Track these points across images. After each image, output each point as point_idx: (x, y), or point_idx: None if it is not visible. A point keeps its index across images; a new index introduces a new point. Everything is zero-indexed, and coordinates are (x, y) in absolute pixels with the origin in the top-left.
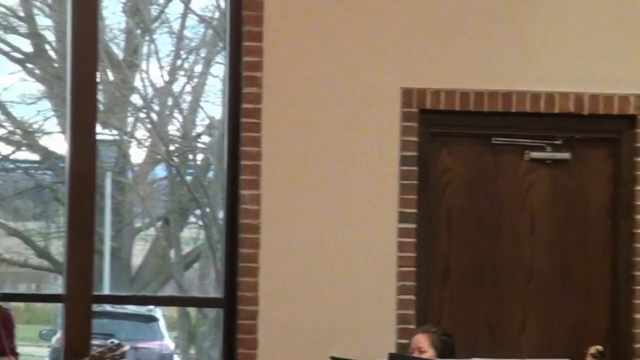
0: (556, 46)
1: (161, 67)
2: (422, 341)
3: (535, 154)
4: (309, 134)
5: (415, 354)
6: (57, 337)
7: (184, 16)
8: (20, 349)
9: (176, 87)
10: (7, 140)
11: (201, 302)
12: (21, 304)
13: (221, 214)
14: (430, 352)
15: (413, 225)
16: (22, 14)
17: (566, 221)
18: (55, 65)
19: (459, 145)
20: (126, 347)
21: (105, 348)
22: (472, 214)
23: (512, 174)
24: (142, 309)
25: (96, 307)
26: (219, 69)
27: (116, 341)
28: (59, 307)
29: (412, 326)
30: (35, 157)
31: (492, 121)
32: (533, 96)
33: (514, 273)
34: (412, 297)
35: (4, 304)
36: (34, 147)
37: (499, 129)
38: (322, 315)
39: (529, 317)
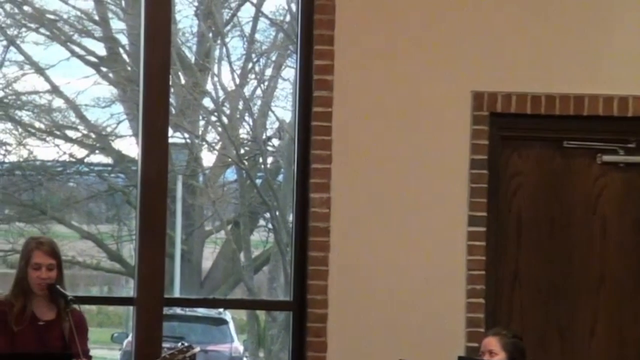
0: (629, 49)
1: (232, 71)
2: (493, 344)
3: (608, 157)
4: (379, 137)
5: (486, 357)
6: (129, 340)
7: (255, 20)
8: (92, 352)
9: (247, 91)
10: (81, 143)
11: (271, 305)
12: (93, 307)
13: (291, 217)
14: (501, 355)
15: (483, 229)
16: (96, 17)
17: (639, 225)
18: (129, 68)
19: (530, 148)
20: (196, 349)
21: (176, 350)
22: (543, 218)
23: (583, 178)
24: (212, 312)
25: (167, 310)
26: (290, 72)
27: (186, 343)
28: (130, 310)
29: (482, 329)
30: (108, 160)
31: (563, 124)
32: (606, 99)
33: (585, 277)
34: (481, 300)
35: (77, 307)
36: (107, 150)
37: (570, 133)
38: (391, 318)
39: (599, 322)
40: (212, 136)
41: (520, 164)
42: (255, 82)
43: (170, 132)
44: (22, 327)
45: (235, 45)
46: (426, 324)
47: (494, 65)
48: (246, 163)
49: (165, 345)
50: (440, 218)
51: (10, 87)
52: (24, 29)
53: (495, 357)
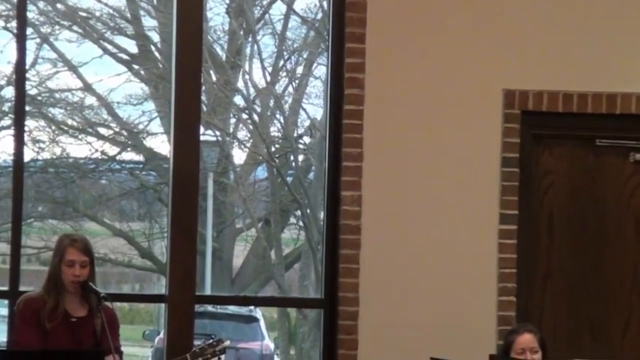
0: None
1: (263, 68)
2: (533, 341)
3: None
4: (411, 135)
5: (527, 355)
6: (160, 337)
7: (286, 17)
8: (123, 349)
9: (278, 88)
10: (113, 140)
11: (302, 303)
12: (125, 304)
13: (322, 215)
14: (540, 353)
15: (514, 227)
16: (128, 15)
17: None
18: (160, 66)
19: (562, 147)
20: (226, 343)
21: (206, 344)
22: (575, 216)
23: (616, 176)
24: (242, 310)
25: (198, 308)
26: (321, 70)
27: (216, 337)
28: (161, 307)
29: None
30: (139, 157)
31: (595, 123)
32: (639, 97)
33: (617, 276)
34: (512, 298)
35: (109, 304)
36: (138, 147)
37: (602, 131)
38: (422, 316)
39: (632, 320)
40: (243, 134)
41: (552, 162)
42: (286, 80)
43: (202, 129)
44: (55, 324)
45: (267, 43)
46: (457, 322)
47: (525, 63)
48: (277, 161)
49: (196, 342)
50: (472, 216)
51: (43, 85)
52: (57, 27)
53: (536, 354)
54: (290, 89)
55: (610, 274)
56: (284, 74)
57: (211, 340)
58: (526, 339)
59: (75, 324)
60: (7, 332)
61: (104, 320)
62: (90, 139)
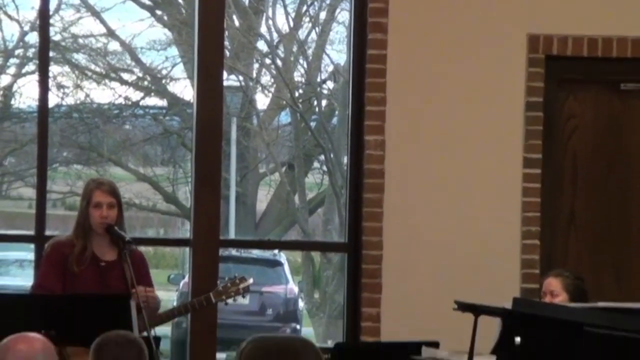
0: None
1: (287, 14)
2: (555, 284)
3: None
4: (434, 79)
5: (547, 298)
6: (185, 281)
7: None
8: None
9: (301, 34)
10: (136, 86)
11: (326, 247)
12: (150, 249)
13: (345, 160)
14: (562, 296)
15: (538, 171)
16: None
17: None
18: (184, 11)
19: (586, 91)
20: (250, 281)
21: (229, 282)
22: (599, 160)
23: None
24: (266, 254)
25: (222, 252)
26: (344, 15)
27: (239, 275)
28: (186, 251)
29: (537, 271)
30: (163, 103)
31: (620, 67)
32: None
33: None
34: (536, 242)
35: (135, 247)
36: (162, 93)
37: (628, 75)
38: (446, 259)
39: None
40: (266, 79)
41: (577, 106)
42: (309, 25)
43: (225, 75)
44: (84, 267)
45: None
46: (481, 266)
47: (550, 8)
48: (300, 106)
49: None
50: (496, 160)
51: (67, 31)
52: None
53: (557, 298)
54: (313, 34)
55: (635, 218)
56: (307, 19)
57: (234, 278)
58: (548, 283)
59: (104, 268)
60: (33, 276)
61: (129, 263)
62: (113, 84)
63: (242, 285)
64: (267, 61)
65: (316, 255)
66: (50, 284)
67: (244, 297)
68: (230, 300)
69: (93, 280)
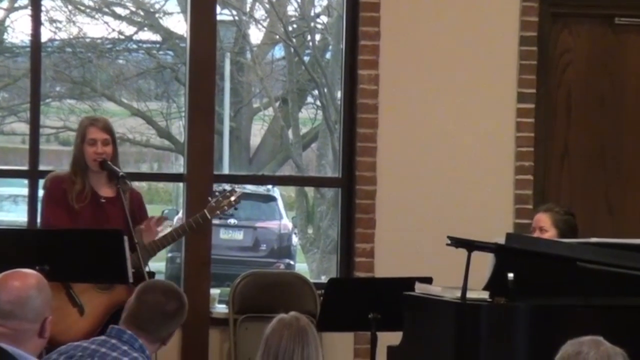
0: None
1: None
2: (544, 220)
3: None
4: (428, 12)
5: (536, 234)
6: (179, 216)
7: None
8: None
9: None
10: (129, 20)
11: (319, 182)
12: (144, 184)
13: (339, 95)
14: (552, 232)
15: (532, 105)
16: None
17: None
18: None
19: (581, 25)
20: (240, 191)
21: (220, 196)
22: (593, 95)
23: (636, 55)
24: (260, 189)
25: (216, 187)
26: None
27: (228, 187)
28: (180, 186)
29: (530, 206)
30: (156, 37)
31: (615, 1)
32: None
33: (636, 155)
34: (529, 177)
35: (128, 183)
36: (155, 27)
37: (622, 9)
38: (440, 195)
39: None
40: (260, 13)
41: (571, 40)
42: None
43: (218, 9)
44: (84, 204)
45: None
46: (474, 201)
47: None
48: (294, 40)
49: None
50: (489, 95)
51: None
52: None
53: (546, 233)
54: None
55: (628, 153)
56: None
57: (225, 192)
58: (538, 218)
59: (104, 204)
60: (27, 212)
61: (126, 199)
62: (107, 18)
63: (233, 198)
64: None
65: (310, 191)
66: (61, 222)
67: (236, 209)
68: (230, 211)
69: (93, 217)
